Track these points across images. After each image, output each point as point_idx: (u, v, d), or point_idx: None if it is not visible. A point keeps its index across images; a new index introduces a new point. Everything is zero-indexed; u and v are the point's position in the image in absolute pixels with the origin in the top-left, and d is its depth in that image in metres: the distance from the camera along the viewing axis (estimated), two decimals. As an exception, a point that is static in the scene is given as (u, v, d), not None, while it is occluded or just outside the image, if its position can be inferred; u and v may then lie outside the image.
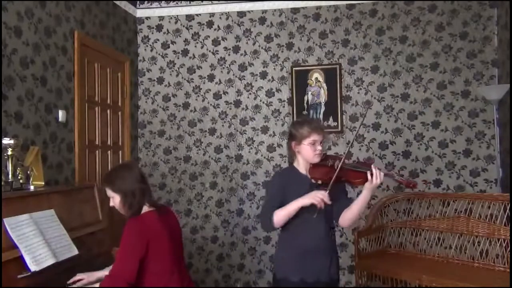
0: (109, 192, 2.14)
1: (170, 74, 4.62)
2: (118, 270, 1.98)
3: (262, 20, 4.49)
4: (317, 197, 2.07)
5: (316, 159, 2.23)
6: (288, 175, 2.32)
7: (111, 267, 2.06)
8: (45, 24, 3.12)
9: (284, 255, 2.27)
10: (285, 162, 4.39)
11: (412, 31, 4.25)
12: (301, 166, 2.29)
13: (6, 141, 2.40)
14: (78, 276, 2.21)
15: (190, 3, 4.58)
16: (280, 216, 2.16)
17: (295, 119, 4.35)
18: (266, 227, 2.22)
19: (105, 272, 2.18)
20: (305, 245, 2.17)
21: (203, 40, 4.58)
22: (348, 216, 2.21)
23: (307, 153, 2.23)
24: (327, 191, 2.09)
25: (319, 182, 2.19)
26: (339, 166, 2.12)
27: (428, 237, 3.88)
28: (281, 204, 2.19)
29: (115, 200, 2.12)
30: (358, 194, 2.25)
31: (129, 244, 2.00)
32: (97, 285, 2.05)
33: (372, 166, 2.08)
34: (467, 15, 4.16)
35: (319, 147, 2.23)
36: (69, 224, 2.45)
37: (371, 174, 2.04)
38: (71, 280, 2.20)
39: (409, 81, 4.25)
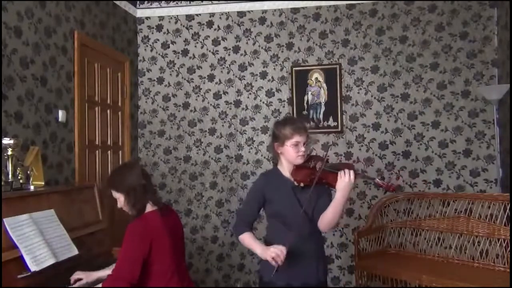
0: (114, 194, 2.14)
1: (170, 74, 4.62)
2: (121, 271, 1.97)
3: (262, 20, 4.49)
4: (274, 253, 1.96)
5: (299, 161, 2.16)
6: (271, 177, 2.26)
7: (111, 266, 2.06)
8: (45, 24, 3.12)
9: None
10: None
11: (412, 31, 4.25)
12: (285, 167, 2.23)
13: (6, 141, 2.40)
14: (77, 275, 2.21)
15: (190, 3, 4.58)
16: (245, 242, 2.21)
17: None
18: (235, 233, 2.29)
19: (105, 272, 2.19)
20: (290, 249, 2.02)
21: (203, 40, 4.58)
22: (324, 220, 2.11)
23: (290, 154, 2.16)
24: (286, 248, 1.97)
25: (301, 184, 2.13)
26: (318, 168, 2.07)
27: (428, 237, 3.88)
28: (258, 209, 2.23)
29: (121, 200, 2.12)
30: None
31: (132, 244, 1.99)
32: (99, 285, 2.04)
33: (354, 167, 2.03)
34: (467, 15, 4.16)
35: (302, 149, 2.15)
36: (69, 224, 2.45)
37: (343, 173, 1.99)
38: (71, 279, 2.20)
39: (409, 81, 4.25)
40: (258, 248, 2.10)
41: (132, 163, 2.36)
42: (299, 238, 2.09)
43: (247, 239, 2.19)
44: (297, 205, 2.14)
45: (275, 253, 1.97)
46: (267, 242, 2.20)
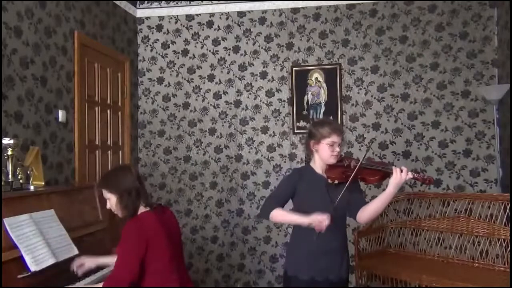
0: (105, 194, 2.15)
1: (170, 74, 4.62)
2: (120, 271, 1.99)
3: (262, 20, 4.49)
4: (317, 220, 2.05)
5: (333, 160, 2.26)
6: (305, 172, 2.34)
7: (114, 256, 2.07)
8: (45, 24, 3.12)
9: (296, 253, 2.30)
10: (285, 162, 4.40)
11: (412, 31, 4.25)
12: (317, 165, 2.32)
13: (6, 141, 2.40)
14: (80, 260, 2.28)
15: (190, 3, 4.58)
16: (278, 217, 2.24)
17: (295, 119, 4.36)
18: (262, 215, 2.29)
19: (108, 259, 2.31)
20: (318, 244, 2.15)
21: (203, 40, 4.58)
22: (366, 212, 2.19)
23: (325, 153, 2.25)
24: (331, 214, 2.06)
25: (336, 182, 2.21)
26: (358, 166, 2.16)
27: (428, 237, 3.88)
28: (289, 197, 2.28)
29: (111, 201, 2.13)
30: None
31: (129, 244, 2.00)
32: (100, 284, 2.05)
33: (393, 165, 2.15)
34: (467, 15, 4.16)
35: (337, 149, 2.25)
36: (69, 224, 2.45)
37: (398, 170, 2.07)
38: (74, 265, 2.26)
39: (409, 81, 4.25)
40: (297, 217, 2.16)
41: (127, 166, 2.39)
42: (328, 234, 2.14)
43: (280, 212, 2.22)
44: (329, 202, 2.19)
45: (320, 217, 2.04)
46: (296, 236, 2.31)
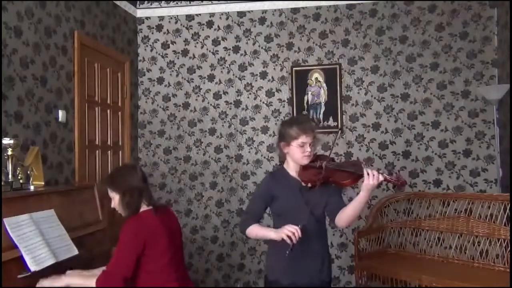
0: (110, 192, 2.16)
1: (170, 74, 4.62)
2: (115, 266, 2.00)
3: (262, 20, 4.49)
4: (287, 234, 1.94)
5: (305, 161, 2.17)
6: (278, 176, 2.27)
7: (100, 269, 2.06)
8: (45, 24, 3.12)
9: (274, 258, 2.22)
10: (285, 162, 4.39)
11: (412, 31, 4.25)
12: (291, 167, 2.24)
13: (6, 141, 2.40)
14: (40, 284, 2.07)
15: (190, 3, 4.58)
16: (253, 234, 2.17)
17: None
18: (241, 231, 2.24)
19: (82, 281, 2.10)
20: (296, 248, 2.00)
21: (203, 40, 4.58)
22: (344, 216, 2.09)
23: (296, 154, 2.17)
24: (300, 227, 1.96)
25: (309, 185, 2.14)
26: (324, 167, 2.07)
27: (428, 237, 3.88)
28: (264, 208, 2.22)
29: (115, 199, 2.14)
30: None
31: (127, 240, 2.02)
32: (93, 281, 2.04)
33: (363, 166, 2.04)
34: (467, 15, 4.16)
35: (308, 149, 2.15)
36: (69, 224, 2.44)
37: (368, 174, 1.95)
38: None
39: (409, 81, 4.25)
40: (270, 232, 2.07)
41: (132, 164, 2.39)
42: (304, 237, 2.06)
43: (255, 229, 2.15)
44: (304, 205, 2.13)
45: (290, 231, 1.94)
46: (273, 241, 2.18)
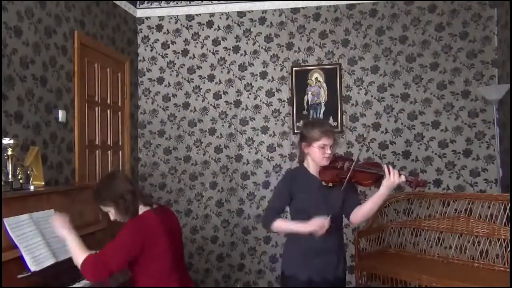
0: (103, 208, 2.13)
1: (170, 74, 4.62)
2: (106, 257, 1.94)
3: (262, 20, 4.49)
4: (318, 226, 2.09)
5: (325, 163, 2.26)
6: (298, 174, 2.35)
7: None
8: (45, 24, 3.12)
9: (292, 253, 2.30)
10: (285, 162, 4.40)
11: (412, 31, 4.25)
12: (311, 166, 2.32)
13: (6, 141, 2.40)
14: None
15: (190, 3, 4.58)
16: (280, 228, 2.30)
17: (295, 119, 4.35)
18: (265, 227, 2.35)
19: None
20: (313, 244, 2.18)
21: (203, 40, 4.58)
22: (360, 213, 2.21)
23: (316, 155, 2.25)
24: (329, 218, 2.10)
25: (330, 184, 2.23)
26: (352, 168, 2.16)
27: (428, 237, 3.88)
28: (287, 203, 2.30)
29: (112, 212, 2.11)
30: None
31: (125, 238, 1.99)
32: (83, 256, 1.96)
33: (384, 165, 2.13)
34: (467, 15, 4.16)
35: (329, 151, 2.24)
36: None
37: (389, 172, 2.07)
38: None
39: (409, 81, 4.25)
40: (299, 225, 2.19)
41: (113, 172, 2.37)
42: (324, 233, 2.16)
43: (282, 223, 2.27)
44: (324, 203, 2.21)
45: (320, 223, 2.09)
46: (291, 237, 2.33)
